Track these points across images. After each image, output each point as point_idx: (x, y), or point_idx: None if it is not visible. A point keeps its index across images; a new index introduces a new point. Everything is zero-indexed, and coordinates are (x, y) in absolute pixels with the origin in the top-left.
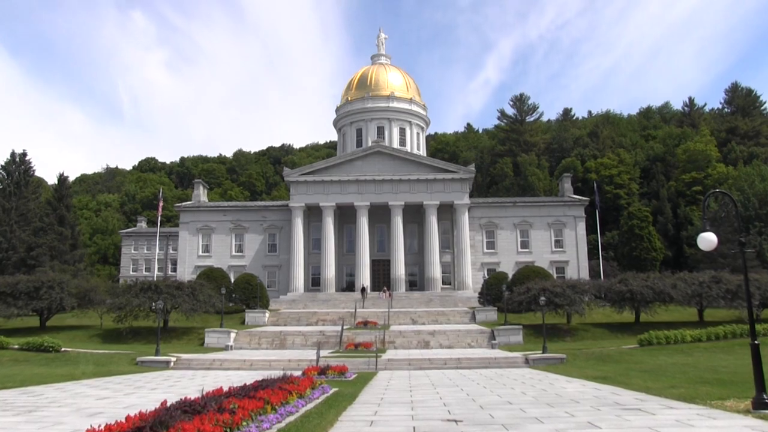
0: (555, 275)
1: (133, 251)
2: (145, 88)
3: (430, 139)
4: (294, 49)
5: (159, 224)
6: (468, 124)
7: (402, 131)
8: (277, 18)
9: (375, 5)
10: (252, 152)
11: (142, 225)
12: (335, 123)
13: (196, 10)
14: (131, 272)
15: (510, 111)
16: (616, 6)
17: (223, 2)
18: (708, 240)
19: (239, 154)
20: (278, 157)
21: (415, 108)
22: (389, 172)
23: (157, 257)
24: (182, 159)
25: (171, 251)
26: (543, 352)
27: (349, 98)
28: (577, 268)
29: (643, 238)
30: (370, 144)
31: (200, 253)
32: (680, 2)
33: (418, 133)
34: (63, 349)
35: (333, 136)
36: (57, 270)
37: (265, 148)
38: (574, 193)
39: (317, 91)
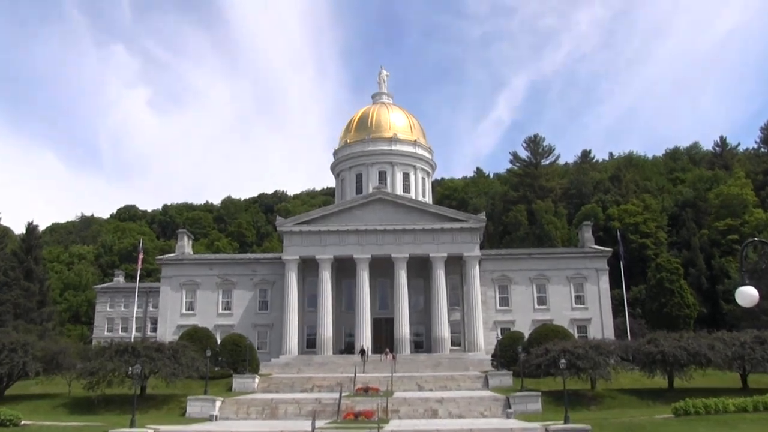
0: (576, 335)
1: (108, 309)
2: (126, 129)
3: (436, 185)
4: (288, 88)
5: (138, 279)
6: (478, 169)
7: (406, 176)
8: (270, 55)
9: (376, 40)
10: (242, 200)
11: (120, 280)
12: (333, 168)
13: (183, 45)
14: (106, 332)
15: (523, 153)
16: (638, 37)
17: (212, 37)
18: (748, 295)
19: (228, 202)
20: (270, 205)
21: (419, 151)
22: (392, 221)
23: (135, 315)
24: (165, 207)
25: (151, 309)
26: (565, 423)
27: (348, 141)
28: (601, 326)
29: (673, 292)
30: (371, 190)
31: (183, 311)
32: (707, 33)
33: (423, 179)
34: (23, 422)
35: (330, 182)
36: (21, 330)
37: (256, 195)
38: (596, 244)
39: (313, 134)
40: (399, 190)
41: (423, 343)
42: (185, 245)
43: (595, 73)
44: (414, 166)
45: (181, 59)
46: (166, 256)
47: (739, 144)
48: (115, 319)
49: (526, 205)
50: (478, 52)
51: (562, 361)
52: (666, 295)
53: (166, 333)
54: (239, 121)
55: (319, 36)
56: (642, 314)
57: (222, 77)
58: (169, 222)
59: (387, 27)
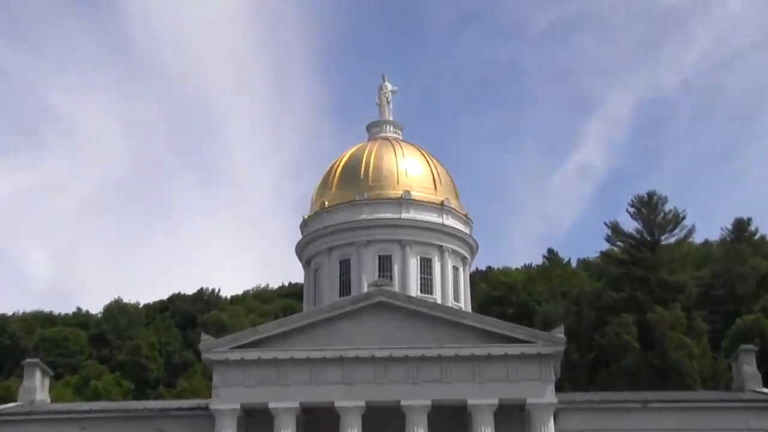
0: None
1: None
2: None
3: (478, 278)
4: (225, 115)
5: None
6: (550, 252)
7: (426, 264)
8: (194, 58)
9: (374, 34)
10: (141, 306)
11: None
12: (299, 250)
13: (42, 42)
14: None
15: (630, 225)
16: None
17: (94, 27)
18: None
19: (116, 310)
20: (191, 316)
21: (449, 221)
22: (402, 341)
23: None
24: (2, 319)
25: None
26: None
27: (327, 204)
28: None
29: None
30: (365, 288)
31: None
32: None
33: (455, 268)
34: None
35: (295, 274)
36: None
37: (165, 298)
38: (766, 384)
39: (266, 193)
40: (414, 289)
41: None
42: (37, 387)
43: (756, 86)
44: (439, 247)
45: (35, 65)
46: (3, 407)
47: None
48: None
49: (637, 315)
50: (546, 53)
51: None
52: None
53: None
54: (138, 171)
55: (277, 27)
56: None
57: (110, 96)
58: (10, 346)
59: (393, 12)
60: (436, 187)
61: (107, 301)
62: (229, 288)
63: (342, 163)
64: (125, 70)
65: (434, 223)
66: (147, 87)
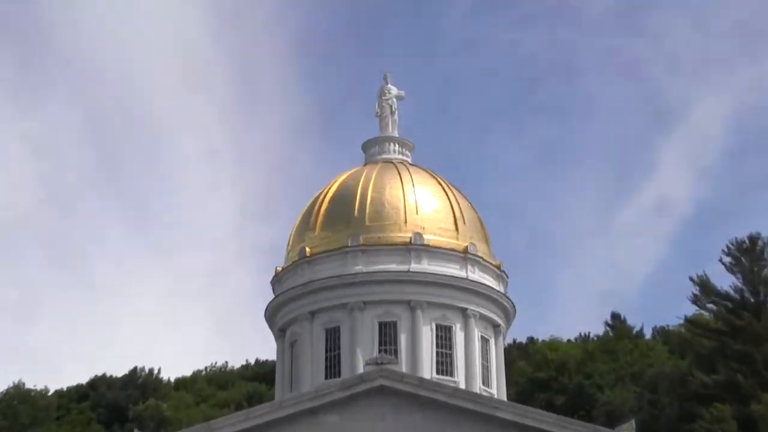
0: None
1: None
2: None
3: (516, 353)
4: (165, 131)
5: None
6: (615, 317)
7: (444, 334)
8: (129, 55)
9: (373, 18)
10: (51, 392)
11: None
12: (270, 315)
13: None
14: None
15: (725, 281)
16: None
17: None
18: None
19: (15, 398)
20: (120, 406)
21: (476, 275)
22: None
23: None
24: None
25: None
26: None
27: (308, 251)
28: None
29: None
30: (362, 368)
31: None
32: None
33: (484, 340)
34: None
35: (264, 349)
36: None
37: (85, 381)
38: None
39: (224, 238)
40: (427, 368)
41: None
42: None
43: None
44: (463, 310)
45: None
46: None
47: None
48: None
49: (737, 405)
50: (609, 44)
51: None
52: None
53: None
54: (45, 207)
55: (240, 10)
56: None
57: (8, 104)
58: None
59: None
60: (457, 228)
61: (3, 387)
62: (173, 368)
63: (329, 195)
64: (30, 68)
65: (455, 277)
66: (59, 91)
